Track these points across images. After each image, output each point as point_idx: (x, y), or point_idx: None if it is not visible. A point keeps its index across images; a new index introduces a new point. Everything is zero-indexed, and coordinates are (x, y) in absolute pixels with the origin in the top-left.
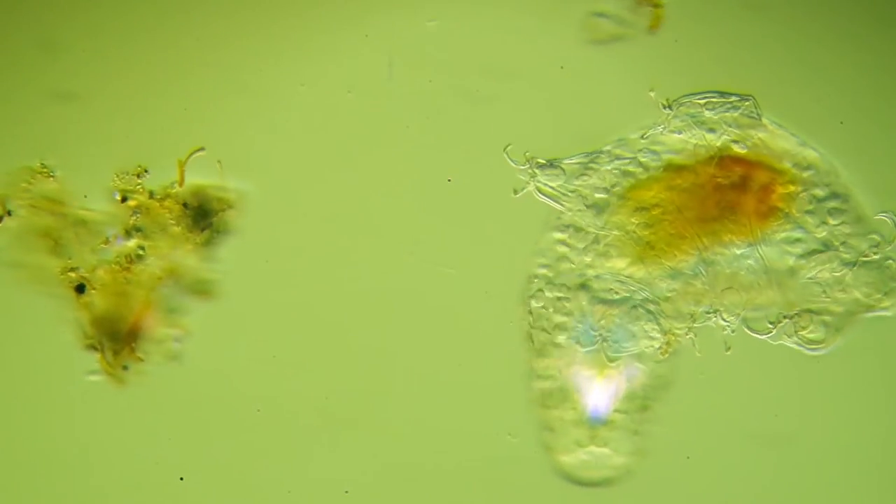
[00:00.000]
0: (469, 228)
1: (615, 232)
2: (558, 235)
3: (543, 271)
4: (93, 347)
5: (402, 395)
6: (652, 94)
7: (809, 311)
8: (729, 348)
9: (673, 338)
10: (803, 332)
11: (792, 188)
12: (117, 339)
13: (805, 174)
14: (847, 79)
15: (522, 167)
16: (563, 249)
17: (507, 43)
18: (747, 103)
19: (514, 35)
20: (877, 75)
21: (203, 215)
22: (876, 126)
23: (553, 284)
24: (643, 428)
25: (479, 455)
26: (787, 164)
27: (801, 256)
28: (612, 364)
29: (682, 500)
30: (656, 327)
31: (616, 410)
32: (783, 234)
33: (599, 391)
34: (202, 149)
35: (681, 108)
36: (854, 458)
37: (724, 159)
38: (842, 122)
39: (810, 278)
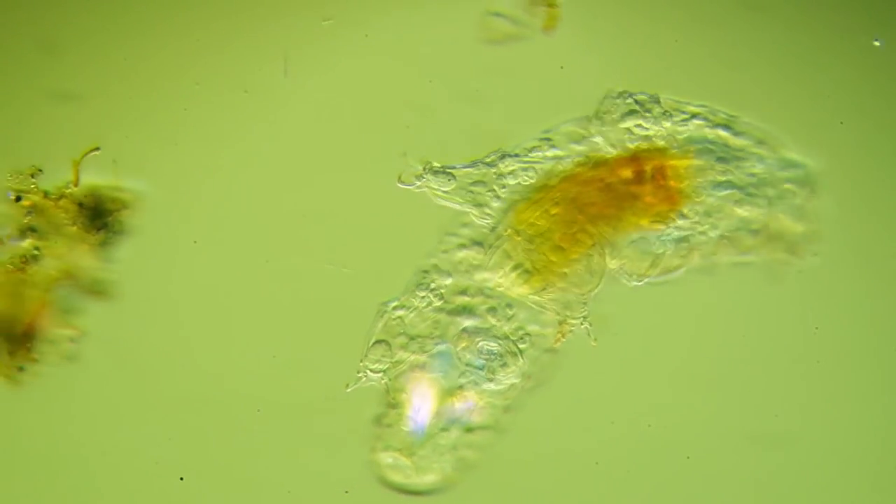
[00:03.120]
0: (356, 230)
1: (507, 235)
2: (457, 240)
3: (435, 278)
4: None
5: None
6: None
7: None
8: (595, 339)
9: (566, 327)
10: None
11: (682, 163)
12: (12, 340)
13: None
14: (846, 78)
15: (419, 171)
16: (460, 255)
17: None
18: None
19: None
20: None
21: (99, 215)
22: (876, 126)
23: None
24: (459, 453)
25: (478, 454)
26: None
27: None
28: (455, 393)
29: (682, 500)
30: (513, 369)
31: (440, 430)
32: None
33: (425, 408)
34: (98, 148)
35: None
36: (854, 458)
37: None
38: (842, 122)
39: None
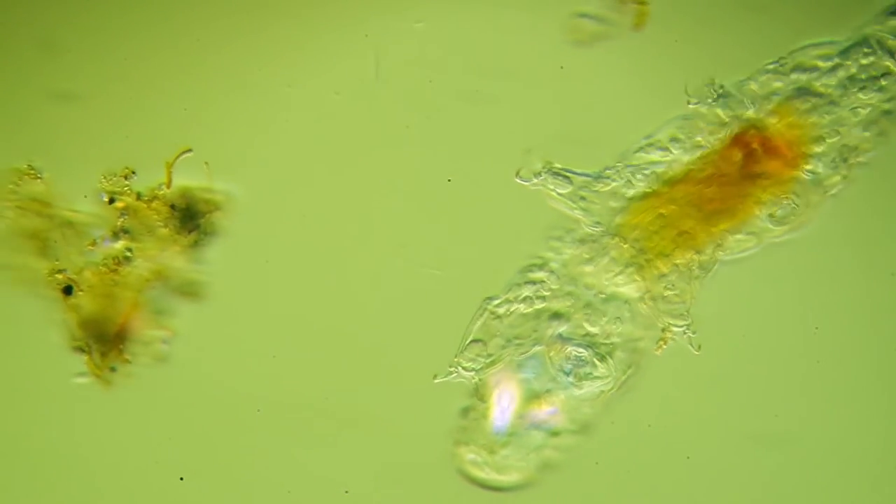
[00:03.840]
0: (466, 230)
1: (617, 240)
2: (556, 244)
3: (540, 275)
4: (80, 349)
5: (400, 395)
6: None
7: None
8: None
9: (668, 335)
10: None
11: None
12: (105, 340)
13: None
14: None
15: (539, 169)
16: (556, 256)
17: (500, 43)
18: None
19: (508, 35)
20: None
21: (191, 217)
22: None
23: (531, 298)
24: (543, 455)
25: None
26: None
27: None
28: (542, 397)
29: (682, 499)
30: (600, 376)
31: (524, 431)
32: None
33: (511, 408)
34: (190, 150)
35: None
36: (854, 458)
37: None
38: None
39: None
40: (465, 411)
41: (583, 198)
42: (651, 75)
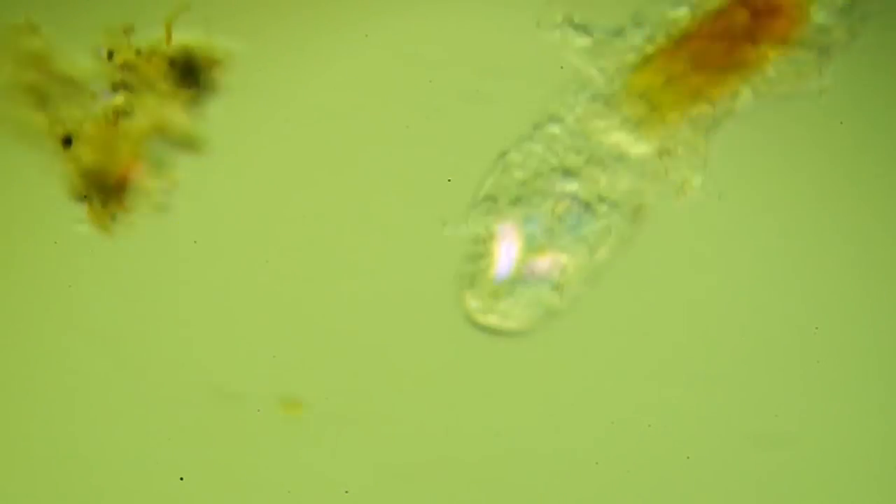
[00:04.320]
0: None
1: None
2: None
3: (553, 129)
4: (81, 198)
5: (401, 393)
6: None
7: None
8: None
9: (688, 186)
10: None
11: None
12: (105, 190)
13: None
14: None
15: (559, 20)
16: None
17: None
18: None
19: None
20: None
21: (190, 72)
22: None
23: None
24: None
25: (478, 454)
26: None
27: None
28: (545, 250)
29: (682, 499)
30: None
31: (526, 283)
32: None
33: (514, 258)
34: (188, 7)
35: None
36: (854, 458)
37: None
38: (841, 122)
39: None
40: (473, 258)
41: (599, 53)
42: None
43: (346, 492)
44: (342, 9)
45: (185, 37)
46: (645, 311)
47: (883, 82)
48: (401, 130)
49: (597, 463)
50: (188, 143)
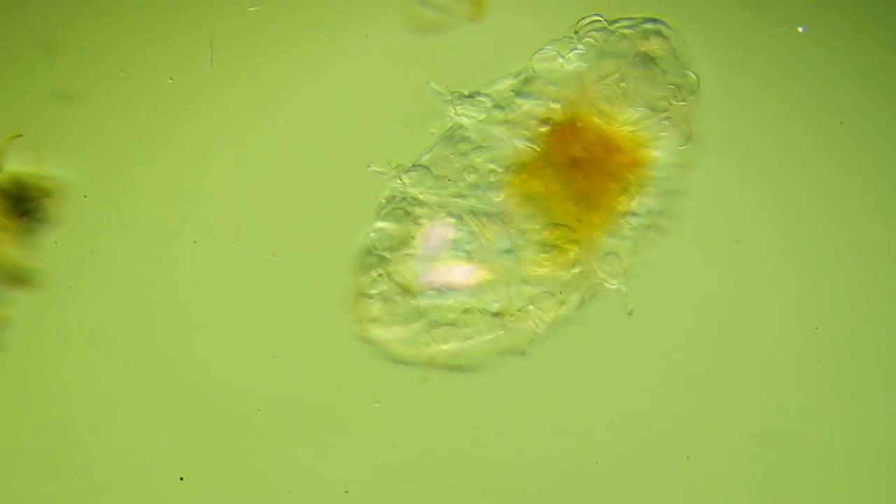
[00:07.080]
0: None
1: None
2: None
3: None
4: None
5: (401, 393)
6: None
7: None
8: (630, 311)
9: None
10: None
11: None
12: None
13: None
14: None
15: (447, 98)
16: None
17: None
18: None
19: None
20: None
21: (21, 202)
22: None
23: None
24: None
25: (479, 454)
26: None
27: None
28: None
29: (682, 499)
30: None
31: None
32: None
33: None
34: (20, 135)
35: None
36: (854, 458)
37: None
38: (842, 122)
39: None
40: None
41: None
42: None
43: (346, 492)
44: (342, 9)
45: (17, 166)
46: (646, 312)
47: (883, 82)
48: (401, 130)
49: (597, 463)
50: (21, 277)
